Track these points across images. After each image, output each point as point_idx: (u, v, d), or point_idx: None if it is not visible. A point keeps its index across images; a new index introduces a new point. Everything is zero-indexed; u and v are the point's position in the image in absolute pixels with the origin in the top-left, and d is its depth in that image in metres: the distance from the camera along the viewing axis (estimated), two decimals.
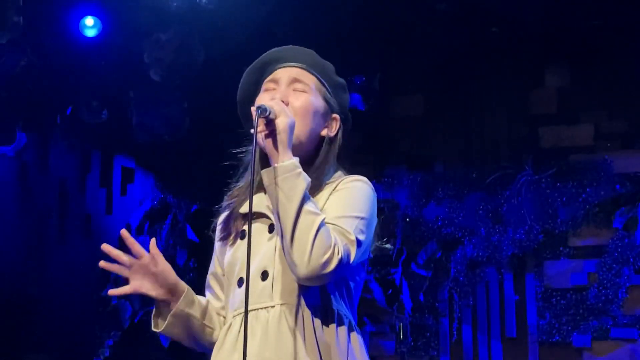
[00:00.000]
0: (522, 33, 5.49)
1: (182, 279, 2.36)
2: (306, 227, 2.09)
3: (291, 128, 2.17)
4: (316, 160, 2.31)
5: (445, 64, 5.72)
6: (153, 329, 2.36)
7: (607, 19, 5.34)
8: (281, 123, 2.16)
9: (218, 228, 2.41)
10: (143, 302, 6.11)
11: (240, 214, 2.32)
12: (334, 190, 2.26)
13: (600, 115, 5.57)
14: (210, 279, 2.44)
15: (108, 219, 6.40)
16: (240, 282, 2.26)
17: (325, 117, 2.34)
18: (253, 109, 2.17)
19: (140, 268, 2.32)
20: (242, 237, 2.30)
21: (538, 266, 5.54)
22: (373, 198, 2.28)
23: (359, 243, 2.18)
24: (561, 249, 5.50)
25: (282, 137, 2.15)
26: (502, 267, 5.59)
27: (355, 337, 2.23)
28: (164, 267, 2.31)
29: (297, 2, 5.24)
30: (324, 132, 2.34)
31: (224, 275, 2.37)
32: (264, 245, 2.23)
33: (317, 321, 2.18)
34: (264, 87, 2.35)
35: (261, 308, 2.20)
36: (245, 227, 2.29)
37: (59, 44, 5.52)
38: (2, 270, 5.87)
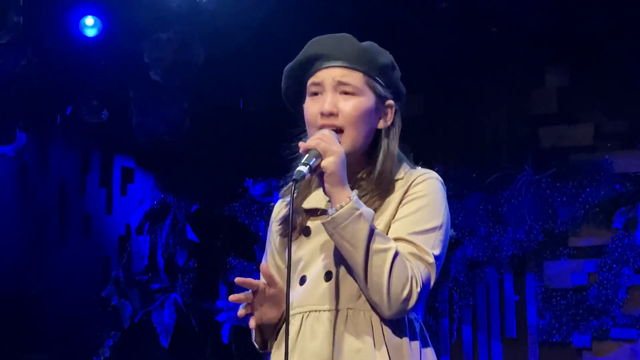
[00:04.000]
0: (522, 33, 5.49)
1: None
2: (378, 269, 2.05)
3: (342, 164, 2.08)
4: (378, 154, 2.24)
5: (445, 64, 5.72)
6: (261, 350, 2.26)
7: (607, 19, 5.33)
8: (329, 166, 2.07)
9: (277, 221, 2.33)
10: (143, 302, 6.11)
11: (304, 209, 2.24)
12: (405, 193, 2.19)
13: (600, 115, 5.56)
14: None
15: (108, 219, 6.40)
16: (302, 280, 2.20)
17: (378, 111, 2.24)
18: (302, 147, 2.09)
19: (259, 295, 2.20)
20: (307, 235, 2.23)
21: (538, 266, 5.53)
22: (444, 193, 2.22)
23: (437, 259, 2.13)
24: (561, 249, 5.50)
25: (332, 179, 2.07)
26: (502, 268, 5.59)
27: (429, 351, 2.21)
28: (281, 286, 2.21)
29: (297, 2, 5.24)
30: (380, 125, 2.26)
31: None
32: (328, 243, 2.15)
33: (387, 328, 2.13)
34: (309, 89, 2.24)
35: (324, 310, 2.15)
36: (309, 224, 2.23)
37: (59, 44, 5.52)
38: (2, 270, 5.87)
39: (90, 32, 5.48)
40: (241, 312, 2.20)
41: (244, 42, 5.27)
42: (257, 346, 2.29)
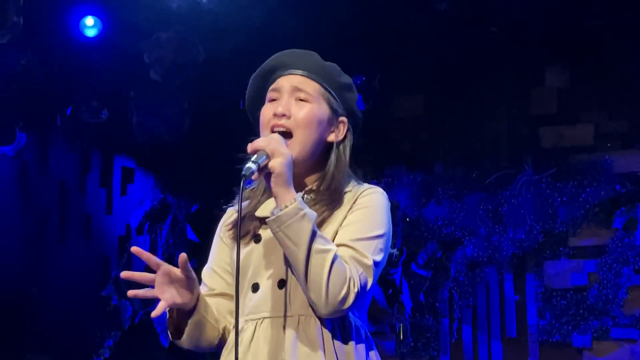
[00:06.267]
0: (522, 33, 5.49)
1: None
2: (318, 269, 2.11)
3: (288, 166, 2.16)
4: (326, 168, 2.31)
5: (445, 64, 5.72)
6: (174, 340, 2.29)
7: (607, 19, 5.34)
8: (276, 166, 2.15)
9: (227, 226, 2.39)
10: (143, 302, 6.11)
11: (257, 217, 2.31)
12: (353, 205, 2.26)
13: (600, 115, 5.56)
14: (212, 274, 2.40)
15: (108, 219, 6.39)
16: (255, 287, 2.25)
17: (330, 123, 2.33)
18: (250, 147, 2.17)
19: (163, 279, 2.22)
20: (257, 241, 2.29)
21: (538, 266, 5.54)
22: (388, 208, 2.31)
23: (376, 264, 2.21)
24: (561, 249, 5.50)
25: (278, 180, 2.14)
26: (502, 267, 5.59)
27: (374, 354, 2.27)
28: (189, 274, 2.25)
29: (297, 3, 5.24)
30: (331, 138, 2.33)
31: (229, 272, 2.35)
32: (278, 251, 2.21)
33: (335, 333, 2.20)
34: (267, 96, 2.34)
35: (277, 317, 2.20)
36: (260, 232, 2.29)
37: (59, 44, 5.52)
38: (2, 270, 5.87)
39: (90, 33, 5.49)
40: (141, 293, 2.21)
41: (244, 42, 5.27)
42: (170, 336, 2.29)
